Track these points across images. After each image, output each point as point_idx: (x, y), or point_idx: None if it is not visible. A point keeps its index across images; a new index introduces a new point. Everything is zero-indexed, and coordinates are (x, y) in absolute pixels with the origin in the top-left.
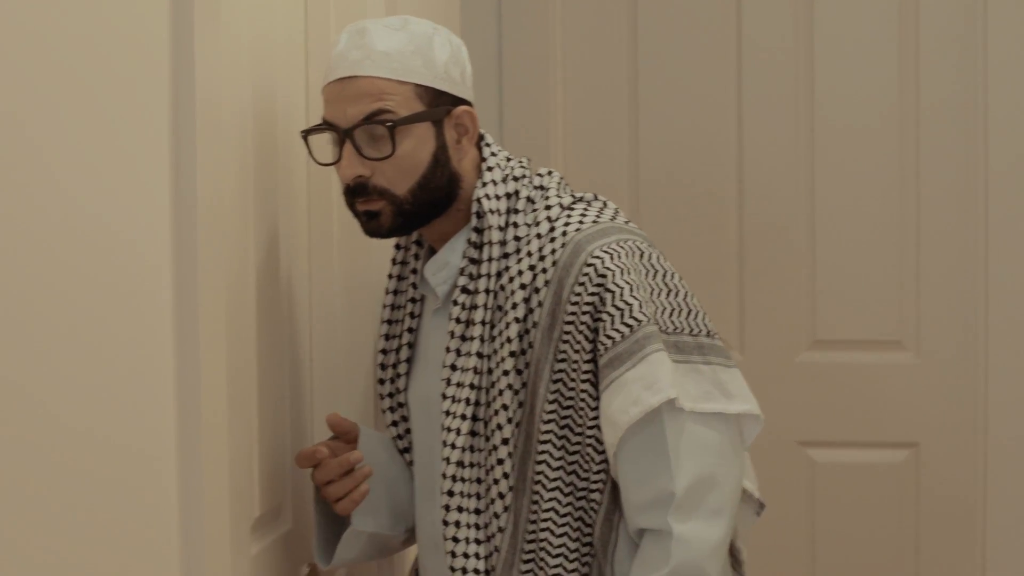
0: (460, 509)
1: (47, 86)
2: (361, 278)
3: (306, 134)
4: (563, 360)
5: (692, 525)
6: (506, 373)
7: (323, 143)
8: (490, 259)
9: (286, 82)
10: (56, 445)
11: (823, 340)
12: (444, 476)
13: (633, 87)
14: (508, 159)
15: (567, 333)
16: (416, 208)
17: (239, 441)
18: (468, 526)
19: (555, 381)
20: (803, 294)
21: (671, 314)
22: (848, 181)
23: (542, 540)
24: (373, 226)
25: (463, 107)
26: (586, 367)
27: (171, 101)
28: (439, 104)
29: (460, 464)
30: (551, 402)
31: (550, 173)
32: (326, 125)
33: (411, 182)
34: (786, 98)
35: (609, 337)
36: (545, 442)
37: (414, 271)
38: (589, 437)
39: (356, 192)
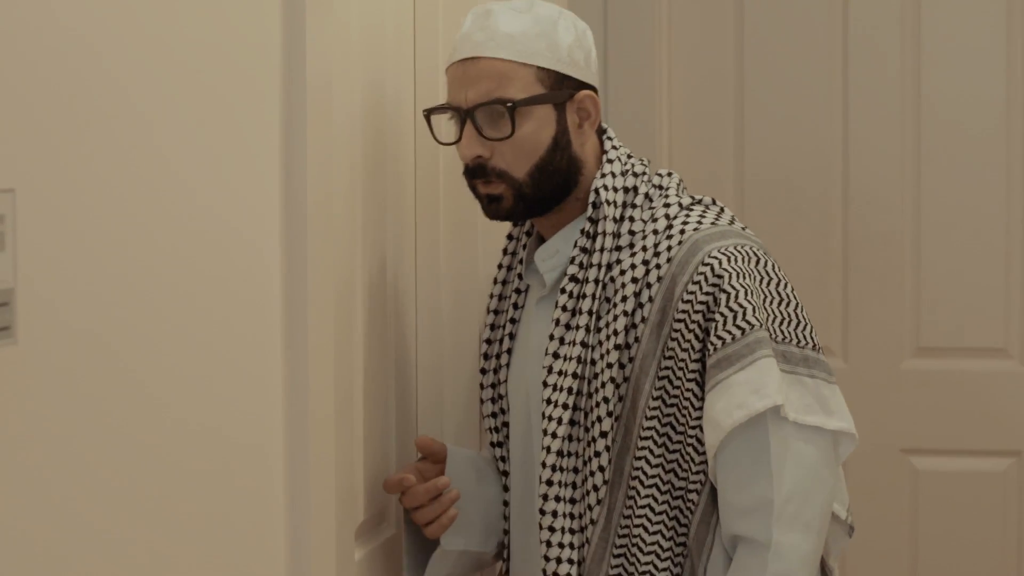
0: (558, 499)
1: (163, 82)
2: (468, 279)
3: (429, 113)
4: (670, 357)
5: (789, 536)
6: (610, 366)
7: (446, 124)
8: (602, 249)
9: (395, 76)
10: (167, 443)
11: (927, 347)
12: (544, 465)
13: (739, 92)
14: (629, 156)
15: (676, 331)
16: (535, 191)
17: (344, 445)
18: (563, 515)
19: (661, 378)
20: (908, 301)
21: (780, 323)
22: (954, 186)
23: (635, 536)
24: (494, 209)
25: (586, 92)
26: (693, 366)
27: (282, 96)
28: (562, 88)
29: (560, 453)
30: (655, 399)
31: (670, 174)
32: (448, 106)
33: (530, 164)
34: (892, 102)
35: (720, 338)
36: (646, 438)
37: (522, 261)
38: (691, 437)
39: (475, 173)
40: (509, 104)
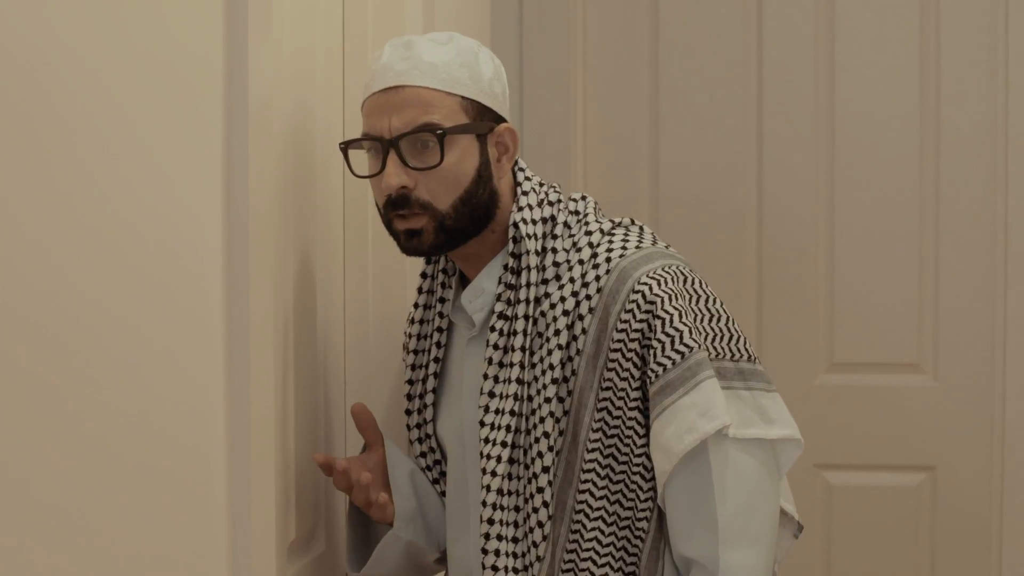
0: (500, 538)
1: (111, 92)
2: (396, 300)
3: (346, 146)
4: (608, 388)
5: (736, 554)
6: (548, 400)
7: (360, 158)
8: (528, 284)
9: (325, 100)
10: (109, 443)
11: (841, 363)
12: (485, 504)
13: (654, 109)
14: (541, 184)
15: (613, 361)
16: (457, 224)
17: (278, 462)
18: (507, 555)
19: (600, 410)
20: (821, 317)
21: (713, 339)
22: (867, 204)
23: (583, 570)
24: (414, 244)
25: (505, 125)
26: (634, 394)
27: (224, 106)
28: (483, 119)
29: (500, 492)
30: (595, 430)
31: (584, 198)
32: (368, 137)
33: (454, 196)
34: (806, 121)
35: (660, 364)
36: (589, 471)
37: (441, 300)
38: (636, 465)
39: (397, 204)
40: (439, 131)
